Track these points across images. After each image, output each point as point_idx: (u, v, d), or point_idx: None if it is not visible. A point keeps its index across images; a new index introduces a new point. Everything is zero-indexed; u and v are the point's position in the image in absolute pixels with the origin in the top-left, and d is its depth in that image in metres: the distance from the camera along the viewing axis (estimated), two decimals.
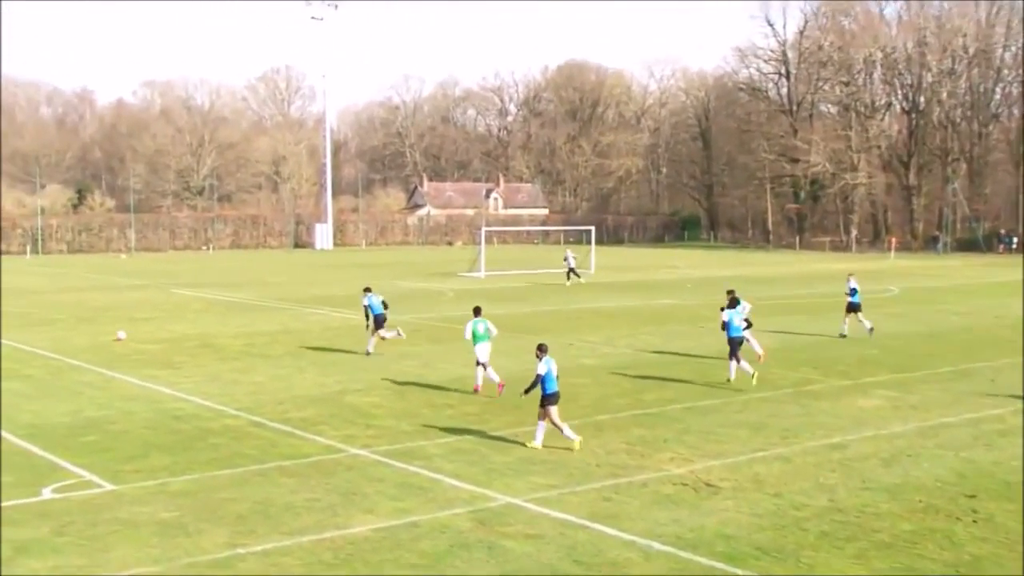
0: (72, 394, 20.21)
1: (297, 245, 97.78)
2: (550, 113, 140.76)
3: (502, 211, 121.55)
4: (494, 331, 20.47)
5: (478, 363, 20.27)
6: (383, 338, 25.49)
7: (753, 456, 15.20)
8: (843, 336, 28.53)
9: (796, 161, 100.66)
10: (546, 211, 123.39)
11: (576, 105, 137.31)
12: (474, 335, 20.29)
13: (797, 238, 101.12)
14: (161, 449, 15.63)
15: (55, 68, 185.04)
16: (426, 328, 31.62)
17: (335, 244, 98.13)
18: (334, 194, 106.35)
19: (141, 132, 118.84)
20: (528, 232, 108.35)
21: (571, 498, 13.00)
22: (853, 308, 28.60)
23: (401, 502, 12.84)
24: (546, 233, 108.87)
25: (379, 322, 25.38)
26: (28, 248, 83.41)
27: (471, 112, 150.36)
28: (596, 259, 61.06)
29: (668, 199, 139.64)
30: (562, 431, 15.49)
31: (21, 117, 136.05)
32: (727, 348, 21.16)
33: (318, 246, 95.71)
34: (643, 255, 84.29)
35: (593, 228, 65.70)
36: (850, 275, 30.21)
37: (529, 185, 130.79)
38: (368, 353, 25.26)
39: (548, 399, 15.46)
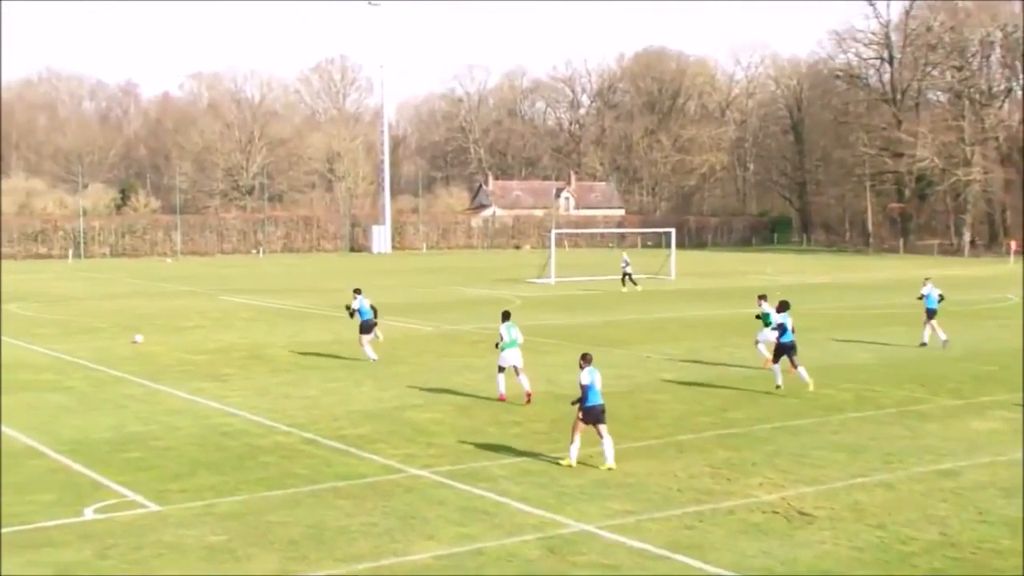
0: (115, 408, 20.66)
1: (353, 248, 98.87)
2: (626, 105, 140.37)
3: (574, 212, 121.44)
4: (520, 338, 21.16)
5: (501, 369, 20.93)
6: (365, 344, 26.61)
7: (852, 482, 14.93)
8: (923, 345, 29.04)
9: (900, 155, 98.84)
10: (622, 212, 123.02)
11: (655, 96, 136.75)
12: (502, 340, 21.00)
13: (901, 241, 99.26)
14: (208, 467, 15.89)
15: (99, 60, 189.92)
16: (491, 339, 31.58)
17: (393, 247, 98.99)
18: (392, 194, 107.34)
19: (187, 127, 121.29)
20: (602, 235, 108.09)
21: (650, 525, 12.89)
22: (931, 315, 29.14)
23: (464, 527, 12.85)
24: (622, 236, 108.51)
25: (366, 327, 26.64)
26: (70, 252, 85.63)
27: (540, 105, 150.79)
28: (677, 264, 60.65)
29: (756, 198, 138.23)
30: (602, 439, 15.55)
31: (64, 112, 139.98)
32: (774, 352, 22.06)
33: (375, 250, 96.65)
34: (728, 260, 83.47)
35: (673, 230, 65.30)
36: (926, 279, 30.81)
37: (603, 184, 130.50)
38: (374, 360, 26.20)
39: (588, 413, 15.55)
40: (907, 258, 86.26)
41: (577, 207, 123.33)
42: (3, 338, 31.78)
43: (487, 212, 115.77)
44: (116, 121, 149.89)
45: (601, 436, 15.68)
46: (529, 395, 20.72)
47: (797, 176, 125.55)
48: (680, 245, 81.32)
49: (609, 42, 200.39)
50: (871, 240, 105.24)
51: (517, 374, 20.90)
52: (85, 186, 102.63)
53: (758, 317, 24.74)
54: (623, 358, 27.24)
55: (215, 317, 38.37)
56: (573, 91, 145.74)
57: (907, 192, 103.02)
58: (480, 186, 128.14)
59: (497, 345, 21.13)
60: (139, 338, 31.56)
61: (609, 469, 15.48)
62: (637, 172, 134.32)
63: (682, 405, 20.77)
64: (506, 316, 21.51)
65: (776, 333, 22.09)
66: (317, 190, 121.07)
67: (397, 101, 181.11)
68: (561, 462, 15.81)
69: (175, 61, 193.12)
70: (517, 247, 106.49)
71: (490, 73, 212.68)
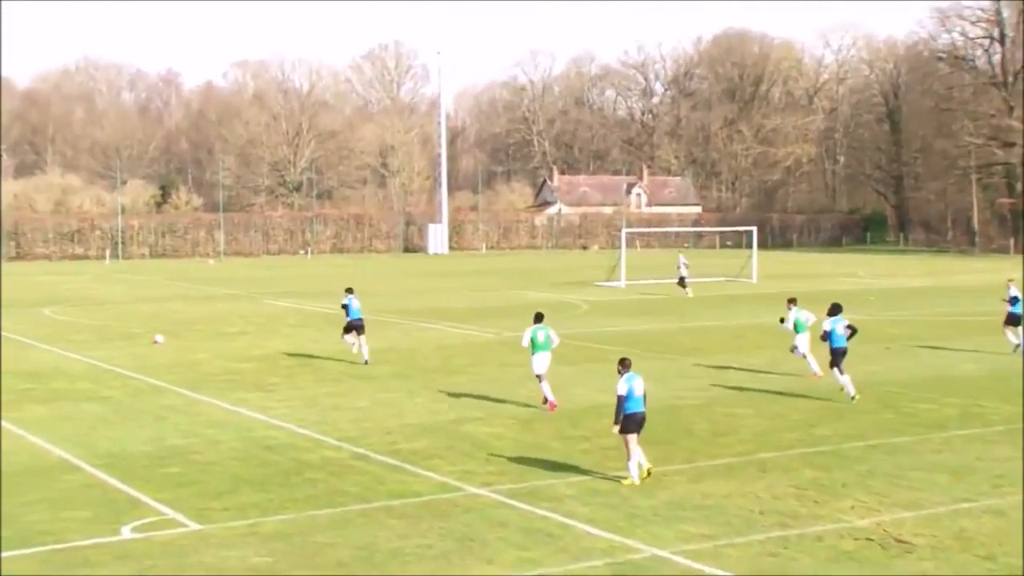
0: (154, 419, 20.99)
1: (407, 249, 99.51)
2: (704, 93, 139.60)
3: (646, 209, 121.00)
4: (556, 340, 21.82)
5: (539, 377, 21.55)
6: (351, 343, 28.05)
7: (956, 507, 14.66)
8: (1017, 348, 28.84)
9: (1011, 145, 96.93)
10: (698, 209, 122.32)
11: (735, 83, 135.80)
12: (533, 343, 21.45)
13: (1011, 240, 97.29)
14: (252, 484, 16.06)
15: (138, 49, 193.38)
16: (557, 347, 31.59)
17: (451, 248, 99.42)
18: (450, 190, 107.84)
19: (231, 119, 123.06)
20: (677, 234, 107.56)
21: (729, 551, 12.78)
22: (1013, 320, 29.18)
23: (527, 551, 12.84)
24: (699, 235, 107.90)
25: (354, 326, 27.92)
26: (107, 252, 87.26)
27: (610, 93, 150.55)
28: (759, 266, 60.13)
29: (847, 194, 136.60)
30: (628, 458, 15.74)
31: (102, 104, 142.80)
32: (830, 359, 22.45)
33: (431, 250, 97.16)
34: (816, 261, 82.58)
35: (755, 229, 64.77)
36: (1010, 281, 30.77)
37: (678, 179, 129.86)
38: (366, 362, 27.49)
39: (628, 422, 15.68)
40: (1018, 258, 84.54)
41: (649, 204, 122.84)
42: (37, 345, 32.47)
43: (552, 210, 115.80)
44: (156, 113, 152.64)
45: (628, 445, 15.85)
46: (552, 404, 21.30)
47: (893, 169, 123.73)
48: (762, 245, 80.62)
49: (685, 24, 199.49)
50: (977, 239, 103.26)
51: (540, 380, 21.54)
52: (123, 182, 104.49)
53: (781, 321, 25.49)
54: (699, 368, 27.06)
55: (260, 322, 38.83)
56: (646, 78, 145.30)
57: (1018, 186, 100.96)
58: (544, 181, 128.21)
59: (533, 349, 21.43)
60: (159, 338, 32.43)
61: (648, 472, 15.79)
62: (715, 166, 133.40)
63: (764, 420, 20.58)
64: (538, 318, 22.10)
65: (849, 332, 22.46)
66: (369, 186, 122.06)
67: (455, 90, 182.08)
68: (623, 481, 15.86)
69: (219, 49, 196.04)
70: (584, 247, 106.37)
71: (555, 59, 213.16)
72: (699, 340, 32.73)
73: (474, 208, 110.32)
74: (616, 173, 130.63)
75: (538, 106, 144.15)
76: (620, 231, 64.93)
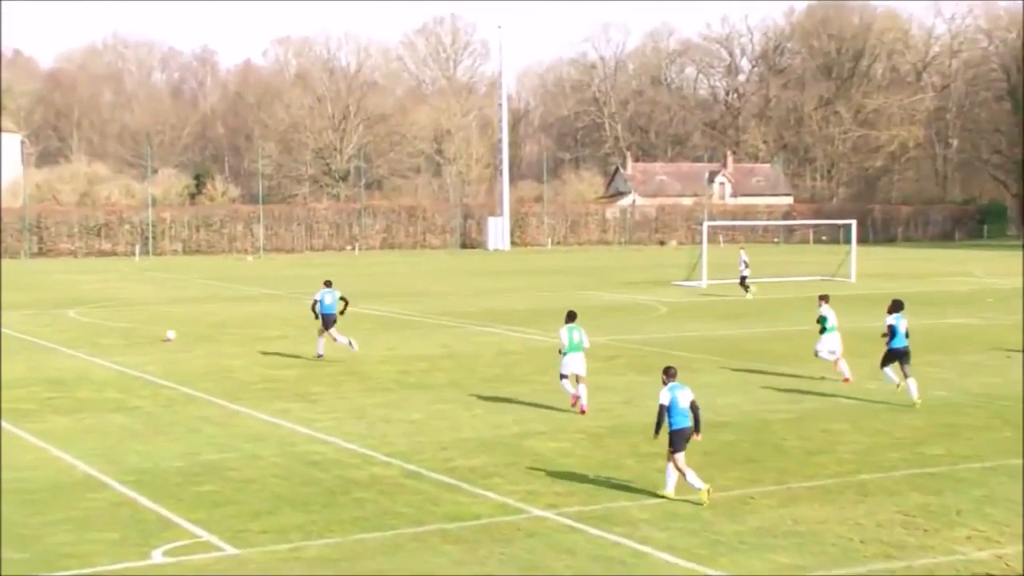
0: (187, 432, 21.23)
1: (465, 245, 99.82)
2: (796, 70, 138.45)
3: (730, 200, 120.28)
4: (587, 342, 22.95)
5: (563, 376, 22.68)
6: (334, 339, 29.84)
7: None
8: None
9: None
10: (789, 200, 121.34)
11: (832, 58, 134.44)
12: (570, 343, 22.77)
13: None
14: (294, 504, 16.18)
15: (171, 24, 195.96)
16: (629, 353, 31.55)
17: (512, 244, 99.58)
18: (512, 179, 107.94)
19: (272, 102, 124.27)
20: (765, 228, 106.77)
21: None
22: None
23: None
24: (790, 229, 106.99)
25: (328, 322, 29.83)
26: (137, 248, 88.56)
27: (690, 71, 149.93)
28: (858, 263, 59.49)
29: (960, 182, 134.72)
30: (685, 476, 16.03)
31: (131, 85, 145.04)
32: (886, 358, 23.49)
33: (491, 246, 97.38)
34: (924, 258, 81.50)
35: (854, 222, 63.99)
36: None
37: (767, 166, 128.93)
38: (319, 356, 29.77)
39: (675, 438, 16.07)
40: None
41: (735, 195, 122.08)
42: (61, 350, 33.02)
43: (625, 201, 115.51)
44: (190, 95, 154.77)
45: (675, 462, 16.18)
46: (583, 409, 22.31)
47: (1014, 154, 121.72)
48: (862, 240, 79.63)
49: None
50: None
51: (577, 382, 22.55)
52: (154, 171, 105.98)
53: (818, 322, 26.37)
54: (791, 378, 26.82)
55: (302, 325, 39.11)
56: (731, 53, 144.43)
57: None
58: (617, 170, 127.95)
59: (561, 351, 22.69)
60: (171, 335, 33.46)
61: (708, 495, 15.81)
62: (809, 151, 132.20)
63: (866, 437, 20.35)
64: (571, 317, 23.32)
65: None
66: (423, 175, 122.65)
67: (518, 68, 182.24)
68: (661, 492, 16.24)
69: (258, 25, 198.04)
70: (661, 243, 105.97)
71: (629, 33, 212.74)
72: (791, 346, 32.41)
73: (539, 199, 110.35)
74: (697, 160, 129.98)
75: (610, 86, 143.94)
76: (701, 225, 64.61)
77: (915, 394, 22.87)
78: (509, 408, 23.39)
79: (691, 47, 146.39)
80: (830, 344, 26.07)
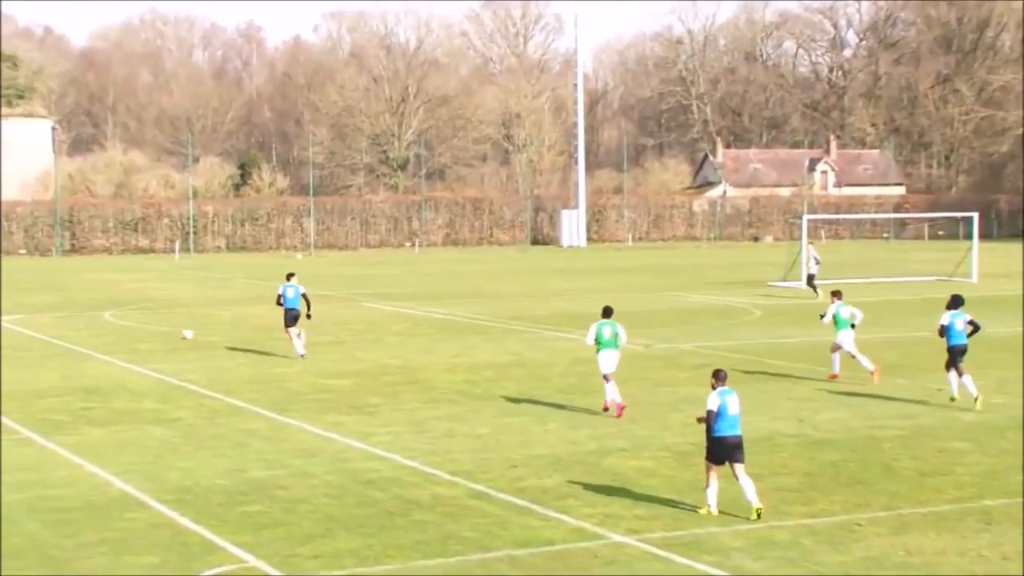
0: (232, 446, 21.48)
1: (536, 241, 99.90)
2: (910, 43, 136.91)
3: (833, 190, 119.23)
4: (624, 338, 24.22)
5: (606, 378, 23.76)
6: (291, 340, 31.67)
7: None
8: None
9: None
10: (901, 190, 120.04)
11: (951, 29, 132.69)
12: (598, 340, 23.91)
13: None
14: (348, 527, 16.31)
15: None
16: (718, 362, 31.31)
17: (589, 239, 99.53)
18: (589, 167, 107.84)
19: (324, 83, 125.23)
20: (874, 222, 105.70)
21: None
22: None
23: None
24: (902, 223, 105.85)
25: (289, 318, 31.34)
26: (176, 244, 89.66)
27: (789, 45, 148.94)
28: (980, 261, 58.68)
29: None
30: (744, 493, 16.44)
31: (170, 64, 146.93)
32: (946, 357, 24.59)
33: (565, 242, 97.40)
34: None
35: (976, 215, 63.15)
36: None
37: (875, 152, 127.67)
38: (301, 356, 31.26)
39: (716, 446, 16.62)
40: None
41: (839, 184, 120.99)
42: (96, 356, 33.53)
43: (715, 192, 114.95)
44: (234, 76, 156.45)
45: (737, 477, 16.56)
46: (621, 407, 23.46)
47: None
48: (985, 235, 78.56)
49: None
50: None
51: (606, 380, 23.70)
52: (195, 160, 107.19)
53: (821, 317, 28.63)
54: (903, 390, 26.58)
55: (358, 330, 39.39)
56: (835, 25, 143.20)
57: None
58: (705, 157, 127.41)
59: (598, 347, 23.86)
60: (188, 334, 34.94)
61: (758, 513, 16.21)
62: (924, 135, 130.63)
63: (988, 458, 20.12)
64: (607, 312, 24.48)
65: (971, 328, 24.88)
66: (489, 164, 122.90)
67: (595, 45, 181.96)
68: (699, 511, 16.46)
69: None
70: (755, 238, 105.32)
71: (720, 4, 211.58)
72: (903, 355, 32.09)
73: (618, 190, 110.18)
74: (796, 146, 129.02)
75: (698, 63, 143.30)
76: (800, 218, 64.08)
77: (973, 391, 24.10)
78: (586, 422, 23.38)
79: (790, 18, 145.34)
80: (848, 341, 27.91)
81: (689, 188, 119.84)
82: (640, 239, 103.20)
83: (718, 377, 17.13)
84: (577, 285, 57.36)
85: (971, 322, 24.93)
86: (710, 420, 16.66)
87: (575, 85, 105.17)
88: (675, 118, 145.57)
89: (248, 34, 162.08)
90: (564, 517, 16.62)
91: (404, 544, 15.42)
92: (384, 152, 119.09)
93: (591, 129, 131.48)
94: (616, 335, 23.92)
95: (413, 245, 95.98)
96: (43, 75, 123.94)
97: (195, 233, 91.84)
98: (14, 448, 21.30)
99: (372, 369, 30.48)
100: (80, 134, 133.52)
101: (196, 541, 15.67)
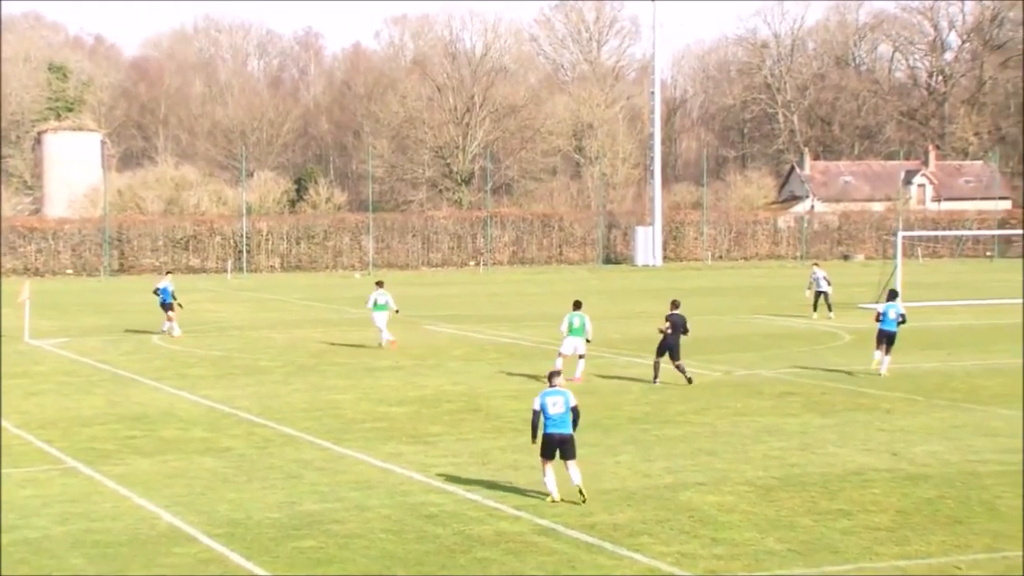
0: (285, 478, 21.62)
1: (609, 260, 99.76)
2: (1017, 44, 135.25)
3: (932, 205, 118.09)
4: (590, 327, 30.85)
5: (560, 354, 30.43)
6: (167, 321, 41.89)
7: None
8: None
9: None
10: (1007, 204, 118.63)
11: None
12: (569, 328, 30.81)
13: None
14: (406, 564, 16.36)
15: (270, 3, 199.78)
16: (806, 389, 31.20)
17: (665, 258, 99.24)
18: (666, 182, 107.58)
19: (385, 92, 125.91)
20: (976, 239, 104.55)
21: None
22: None
23: None
24: (1007, 240, 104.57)
25: (165, 308, 42.87)
26: (229, 264, 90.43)
27: (884, 49, 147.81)
28: None
29: None
30: (571, 480, 19.31)
31: (224, 74, 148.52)
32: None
33: (640, 261, 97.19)
34: None
35: None
36: None
37: (979, 163, 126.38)
38: (166, 332, 40.39)
39: (544, 444, 19.16)
40: None
41: (937, 198, 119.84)
42: (144, 381, 33.92)
43: (802, 207, 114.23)
44: (291, 85, 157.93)
45: (567, 469, 19.44)
46: (578, 380, 28.91)
47: None
48: None
49: None
50: None
51: (579, 359, 29.95)
52: (250, 174, 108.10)
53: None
54: (1008, 423, 26.25)
55: (419, 354, 39.52)
56: (935, 26, 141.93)
57: None
58: (792, 169, 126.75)
59: (569, 333, 30.66)
60: (172, 328, 41.17)
61: (580, 492, 18.98)
62: None
63: None
64: (577, 305, 31.14)
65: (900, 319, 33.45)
66: (559, 177, 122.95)
67: (674, 50, 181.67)
68: (545, 500, 18.34)
69: (369, 2, 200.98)
70: (845, 257, 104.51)
71: (809, 5, 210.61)
72: (1007, 383, 31.72)
73: (697, 206, 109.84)
74: (891, 157, 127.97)
75: (785, 68, 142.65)
76: (895, 235, 63.52)
77: (883, 369, 32.57)
78: (660, 454, 23.32)
79: (886, 19, 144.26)
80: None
81: (774, 203, 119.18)
82: (720, 258, 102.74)
83: (550, 378, 19.83)
84: (652, 307, 57.06)
85: (902, 315, 33.42)
86: (534, 420, 19.69)
87: (652, 93, 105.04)
88: (759, 128, 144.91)
89: (306, 41, 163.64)
90: (637, 556, 16.58)
91: None
92: (448, 165, 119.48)
93: (668, 140, 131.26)
94: (584, 325, 30.69)
95: (478, 264, 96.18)
96: (93, 86, 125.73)
97: (248, 251, 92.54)
98: (58, 478, 21.58)
99: (433, 396, 30.57)
100: (130, 148, 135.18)
101: None
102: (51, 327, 47.74)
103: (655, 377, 31.92)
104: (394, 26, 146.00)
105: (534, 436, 19.68)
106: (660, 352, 31.82)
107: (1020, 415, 26.93)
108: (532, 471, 21.92)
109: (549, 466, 19.48)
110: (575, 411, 19.61)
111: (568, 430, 19.45)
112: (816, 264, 56.28)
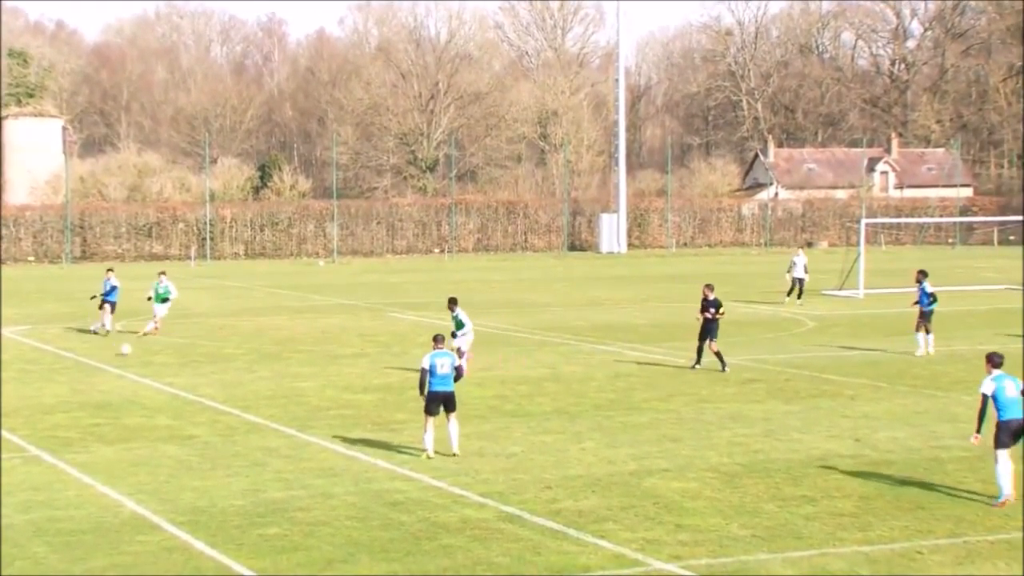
0: (249, 465, 21.57)
1: (573, 247, 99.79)
2: (979, 32, 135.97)
3: (895, 193, 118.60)
4: (470, 328, 31.47)
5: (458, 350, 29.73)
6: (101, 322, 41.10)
7: None
8: None
9: None
10: (968, 192, 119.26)
11: None
12: (457, 327, 31.48)
13: None
14: (371, 551, 16.36)
15: None
16: (769, 376, 31.31)
17: (630, 245, 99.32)
18: (630, 169, 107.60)
19: (349, 79, 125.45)
20: (938, 227, 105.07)
21: None
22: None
23: None
24: (968, 228, 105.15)
25: (107, 302, 41.45)
26: (193, 251, 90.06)
27: (847, 36, 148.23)
28: None
29: None
30: (450, 439, 21.81)
31: (187, 61, 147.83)
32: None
33: (605, 248, 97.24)
34: None
35: None
36: None
37: (940, 151, 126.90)
38: (101, 329, 40.70)
39: (428, 401, 21.13)
40: None
41: (900, 186, 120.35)
42: (107, 369, 33.75)
43: (766, 194, 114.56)
44: (254, 72, 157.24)
45: (448, 422, 21.65)
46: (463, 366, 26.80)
47: None
48: None
49: None
50: None
51: (460, 356, 27.26)
52: (213, 161, 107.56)
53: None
54: (969, 409, 26.38)
55: (384, 342, 39.47)
56: (898, 14, 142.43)
57: None
58: (756, 157, 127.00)
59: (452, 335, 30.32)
60: (126, 349, 36.30)
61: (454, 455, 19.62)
62: (994, 133, 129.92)
63: None
64: (452, 303, 31.74)
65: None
66: (524, 165, 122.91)
67: (638, 37, 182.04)
68: (420, 456, 18.50)
69: None
70: (808, 244, 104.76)
71: None
72: (969, 369, 31.84)
73: (661, 193, 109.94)
74: (854, 145, 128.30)
75: (748, 56, 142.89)
76: (858, 223, 63.80)
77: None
78: (625, 440, 23.37)
79: (848, 7, 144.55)
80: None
81: (738, 190, 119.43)
82: (685, 245, 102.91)
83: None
84: (617, 294, 57.27)
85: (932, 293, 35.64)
86: (422, 378, 21.57)
87: (616, 80, 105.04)
88: (723, 115, 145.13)
89: (269, 28, 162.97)
90: (602, 542, 16.61)
91: (431, 570, 15.46)
92: (412, 152, 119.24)
93: (633, 127, 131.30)
94: (462, 322, 31.53)
95: (442, 251, 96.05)
96: (54, 72, 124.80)
97: (212, 239, 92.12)
98: (21, 467, 21.46)
99: (398, 383, 30.52)
100: (92, 134, 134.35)
101: (211, 565, 15.76)
102: (13, 315, 47.41)
103: (697, 361, 32.36)
104: (358, 12, 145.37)
105: (421, 391, 21.73)
106: (702, 337, 32.16)
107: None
108: (497, 458, 21.96)
109: (431, 422, 21.55)
110: (458, 370, 22.44)
111: (452, 387, 21.90)
112: (801, 249, 56.45)
